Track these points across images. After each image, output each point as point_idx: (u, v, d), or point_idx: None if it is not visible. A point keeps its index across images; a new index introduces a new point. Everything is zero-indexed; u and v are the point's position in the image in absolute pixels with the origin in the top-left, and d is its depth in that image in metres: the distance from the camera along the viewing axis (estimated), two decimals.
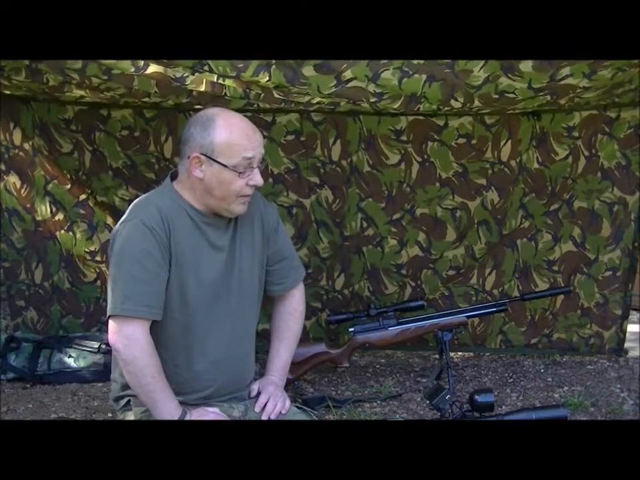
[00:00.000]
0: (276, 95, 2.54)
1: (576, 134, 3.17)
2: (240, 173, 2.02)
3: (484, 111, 2.98)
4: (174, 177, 2.16)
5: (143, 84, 2.56)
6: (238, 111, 2.89)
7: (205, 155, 2.01)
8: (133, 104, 3.03)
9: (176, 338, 2.09)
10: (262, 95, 2.57)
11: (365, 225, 3.33)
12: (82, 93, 2.77)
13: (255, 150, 2.03)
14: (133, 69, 2.30)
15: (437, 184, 3.25)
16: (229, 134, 2.02)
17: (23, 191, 3.31)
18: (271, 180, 3.23)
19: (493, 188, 3.26)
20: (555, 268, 3.38)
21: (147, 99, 2.80)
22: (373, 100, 2.49)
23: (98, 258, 3.37)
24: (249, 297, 2.20)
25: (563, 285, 3.37)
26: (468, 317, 3.02)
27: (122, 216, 2.13)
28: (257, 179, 2.05)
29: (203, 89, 2.52)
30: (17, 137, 3.23)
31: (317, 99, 2.60)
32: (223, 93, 2.56)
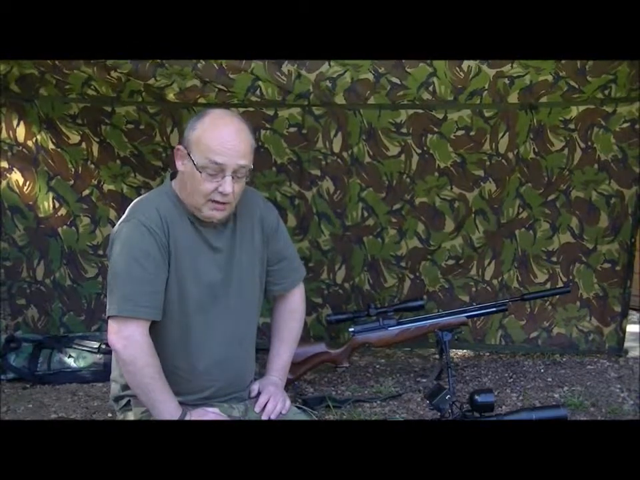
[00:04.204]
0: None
1: (572, 126, 3.18)
2: (208, 174, 1.97)
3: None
4: (173, 177, 2.16)
5: None
6: (241, 104, 2.97)
7: (186, 150, 2.02)
8: (136, 100, 3.05)
9: (175, 338, 2.08)
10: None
11: (365, 214, 3.34)
12: (89, 71, 2.81)
13: (227, 158, 1.96)
14: None
15: (436, 173, 3.27)
16: (203, 132, 1.99)
17: (25, 188, 3.33)
18: (274, 169, 3.25)
19: (490, 179, 3.28)
20: (554, 259, 3.40)
21: (152, 81, 2.82)
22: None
23: (100, 252, 3.39)
24: (249, 297, 2.20)
25: (562, 276, 3.39)
26: (468, 317, 3.03)
27: (129, 203, 2.14)
28: (226, 187, 1.97)
29: None
30: (21, 133, 3.25)
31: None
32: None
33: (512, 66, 2.85)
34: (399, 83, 2.93)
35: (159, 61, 2.73)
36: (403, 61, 2.84)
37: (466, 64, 2.85)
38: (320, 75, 2.89)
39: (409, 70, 2.89)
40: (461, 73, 2.88)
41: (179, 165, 2.05)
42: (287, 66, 2.84)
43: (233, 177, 1.99)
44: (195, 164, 1.98)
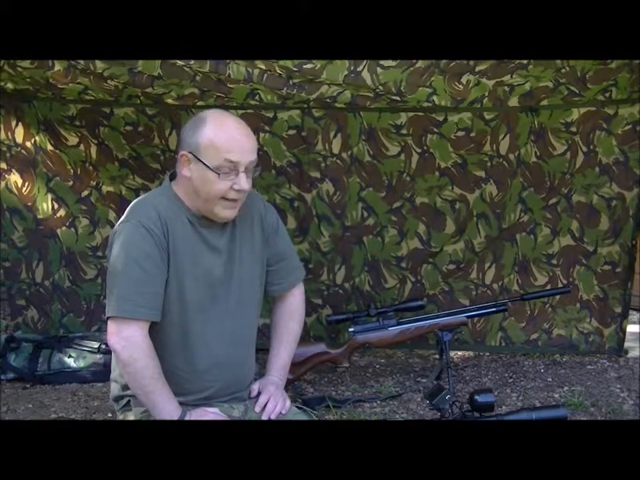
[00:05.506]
0: (279, 71, 2.62)
1: (574, 129, 3.19)
2: (224, 174, 1.99)
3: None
4: (172, 178, 2.16)
5: (147, 65, 2.59)
6: (240, 107, 2.96)
7: (192, 154, 2.01)
8: (135, 102, 3.04)
9: (176, 339, 2.08)
10: (265, 76, 2.65)
11: (365, 214, 3.35)
12: (86, 81, 2.78)
13: (241, 155, 1.99)
14: None
15: (437, 173, 3.27)
16: (214, 134, 2.00)
17: (24, 189, 3.34)
18: (273, 172, 3.25)
19: (491, 181, 3.28)
20: (554, 262, 3.40)
21: (149, 90, 2.80)
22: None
23: (99, 253, 3.39)
24: (249, 298, 2.19)
25: (562, 279, 3.40)
26: (468, 317, 3.03)
27: (127, 205, 2.14)
28: (242, 183, 2.00)
29: (207, 69, 2.61)
30: (20, 134, 3.25)
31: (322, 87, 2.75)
32: (227, 74, 2.63)
33: (511, 76, 2.83)
34: (399, 99, 2.91)
35: (155, 74, 2.69)
36: (402, 89, 2.80)
37: (465, 78, 2.82)
38: (320, 95, 2.86)
39: (408, 96, 2.88)
40: (460, 86, 2.86)
41: (185, 171, 2.04)
42: (286, 90, 2.79)
43: (245, 173, 2.01)
44: (207, 166, 1.99)
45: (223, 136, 2.00)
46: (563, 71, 2.83)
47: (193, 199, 2.06)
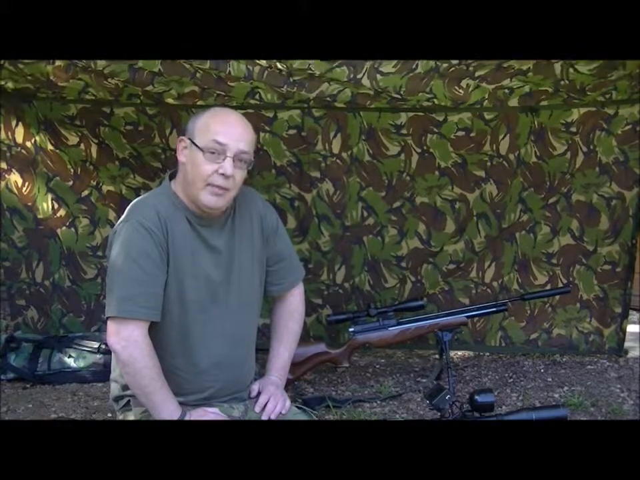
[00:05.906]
0: (280, 66, 2.61)
1: (574, 129, 3.19)
2: (210, 153, 2.00)
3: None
4: (172, 177, 2.16)
5: (147, 62, 2.61)
6: (240, 107, 2.97)
7: (189, 139, 2.05)
8: (135, 102, 3.04)
9: (175, 339, 2.08)
10: (265, 73, 2.65)
11: (365, 214, 3.35)
12: (86, 78, 2.78)
13: (230, 139, 2.01)
14: None
15: (436, 172, 3.27)
16: (209, 117, 2.06)
17: (24, 189, 3.33)
18: (273, 171, 3.25)
19: (491, 180, 3.28)
20: (554, 261, 3.40)
21: (149, 88, 2.80)
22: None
23: (99, 253, 3.39)
24: (249, 297, 2.20)
25: (562, 278, 3.40)
26: (468, 317, 3.03)
27: (128, 205, 2.14)
28: (226, 167, 2.00)
29: (207, 65, 2.61)
30: (20, 134, 3.25)
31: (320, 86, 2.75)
32: (227, 71, 2.62)
33: (511, 80, 2.81)
34: (400, 97, 2.91)
35: (156, 70, 2.69)
36: (402, 93, 2.79)
37: (464, 82, 2.81)
38: (320, 93, 2.85)
39: (408, 98, 2.88)
40: (460, 91, 2.85)
41: (181, 157, 2.08)
42: (286, 87, 2.77)
43: (234, 161, 2.01)
44: (197, 146, 2.01)
45: (217, 119, 2.06)
46: (562, 83, 2.82)
47: (185, 186, 2.07)
